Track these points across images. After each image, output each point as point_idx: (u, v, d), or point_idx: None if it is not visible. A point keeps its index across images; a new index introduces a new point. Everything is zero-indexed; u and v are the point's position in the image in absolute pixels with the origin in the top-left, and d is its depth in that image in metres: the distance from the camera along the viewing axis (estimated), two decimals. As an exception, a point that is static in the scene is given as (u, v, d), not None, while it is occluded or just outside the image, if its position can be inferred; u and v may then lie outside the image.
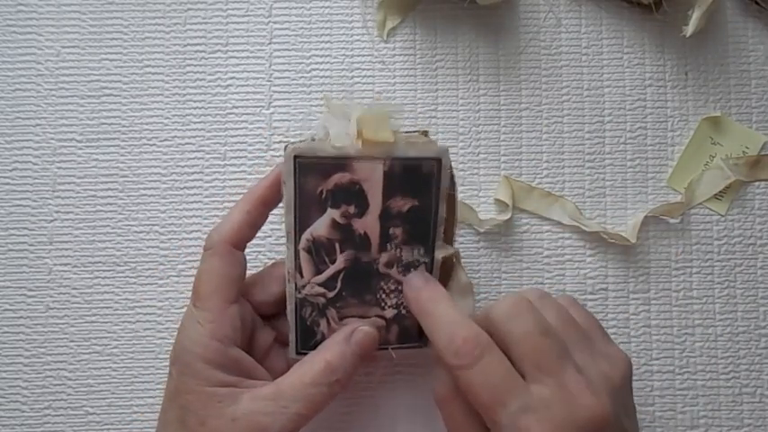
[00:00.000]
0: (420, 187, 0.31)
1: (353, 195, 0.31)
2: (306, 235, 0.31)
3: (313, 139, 0.31)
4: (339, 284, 0.32)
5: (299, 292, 0.32)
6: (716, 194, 0.38)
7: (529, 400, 0.26)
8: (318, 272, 0.31)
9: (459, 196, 0.38)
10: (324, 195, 0.31)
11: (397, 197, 0.31)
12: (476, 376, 0.27)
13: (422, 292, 0.31)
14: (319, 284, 0.32)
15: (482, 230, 0.38)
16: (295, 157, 0.30)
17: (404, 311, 0.32)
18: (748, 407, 0.37)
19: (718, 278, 0.38)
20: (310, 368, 0.30)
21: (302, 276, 0.31)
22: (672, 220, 0.38)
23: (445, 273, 0.33)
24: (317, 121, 0.38)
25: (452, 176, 0.32)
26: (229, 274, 0.31)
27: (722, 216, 0.38)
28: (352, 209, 0.31)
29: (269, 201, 0.32)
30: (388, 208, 0.31)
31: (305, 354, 0.32)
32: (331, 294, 0.32)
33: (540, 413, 0.26)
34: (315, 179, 0.30)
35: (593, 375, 0.28)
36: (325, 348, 0.31)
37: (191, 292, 0.31)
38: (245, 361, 0.31)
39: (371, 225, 0.31)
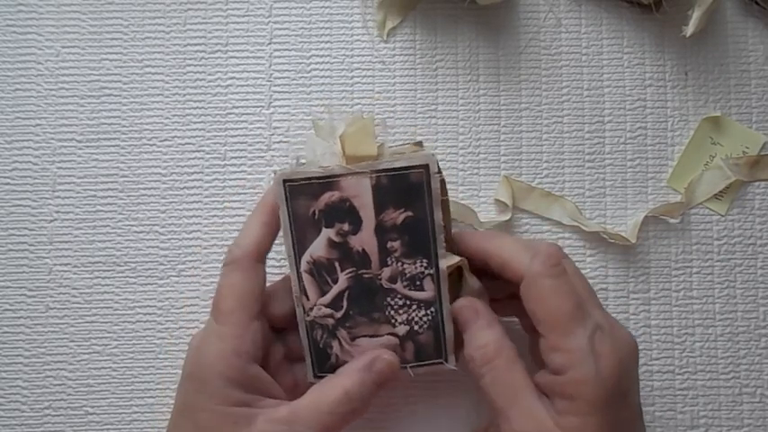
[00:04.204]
0: (411, 197, 0.30)
1: (345, 213, 0.31)
2: (305, 257, 0.31)
3: (301, 163, 0.32)
4: (345, 304, 0.31)
5: (308, 315, 0.31)
6: (716, 194, 0.38)
7: (599, 321, 0.28)
8: (323, 293, 0.31)
9: (459, 196, 0.38)
10: (316, 216, 0.31)
11: (390, 210, 0.30)
12: (560, 284, 0.28)
13: (478, 235, 0.33)
14: (326, 306, 0.31)
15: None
16: (284, 181, 0.30)
17: (416, 327, 0.31)
18: (748, 407, 0.37)
19: (718, 278, 0.38)
20: (328, 395, 0.29)
21: (308, 299, 0.31)
22: (672, 220, 0.38)
23: (454, 282, 0.32)
24: (304, 144, 0.38)
25: (443, 181, 0.31)
26: (252, 289, 0.30)
27: (722, 216, 0.38)
28: (345, 226, 0.31)
29: None
30: (382, 222, 0.31)
31: (323, 377, 0.31)
32: (339, 315, 0.31)
33: (606, 334, 0.28)
34: (306, 201, 0.31)
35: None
36: (344, 375, 0.30)
37: (211, 307, 0.31)
38: (263, 378, 0.30)
39: (368, 241, 0.31)
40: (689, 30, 0.37)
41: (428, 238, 0.31)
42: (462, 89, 0.39)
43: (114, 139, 0.39)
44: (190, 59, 0.39)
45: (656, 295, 0.38)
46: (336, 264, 0.31)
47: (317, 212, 0.31)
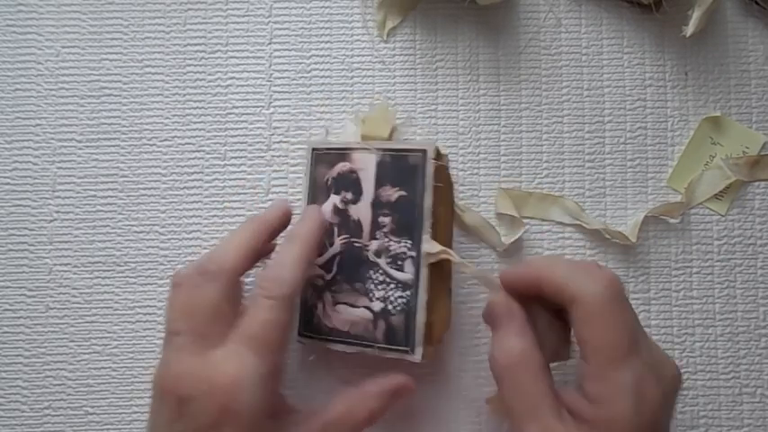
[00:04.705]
0: (408, 178, 0.33)
1: (351, 183, 0.34)
2: None
3: (327, 134, 0.38)
4: (335, 268, 0.34)
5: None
6: (716, 194, 0.38)
7: (648, 359, 0.27)
8: (320, 254, 0.34)
9: (460, 196, 0.38)
10: (329, 183, 0.34)
11: (387, 186, 0.33)
12: (621, 315, 0.27)
13: (536, 261, 0.33)
14: (320, 266, 0.34)
15: (502, 250, 0.37)
16: (312, 149, 0.35)
17: (390, 307, 0.32)
18: (748, 407, 0.37)
19: (718, 278, 0.38)
20: (355, 413, 0.30)
21: None
22: (672, 220, 0.38)
23: (442, 276, 0.33)
24: (342, 126, 0.39)
25: (449, 177, 0.33)
26: (290, 327, 0.30)
27: (722, 216, 0.38)
28: (349, 195, 0.33)
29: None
30: (379, 196, 0.33)
31: (307, 336, 0.34)
32: (328, 277, 0.34)
33: (653, 375, 0.27)
34: (323, 168, 0.34)
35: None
36: (372, 397, 0.31)
37: (247, 338, 0.28)
38: (283, 401, 0.32)
39: (364, 212, 0.33)
40: (689, 30, 0.37)
41: (415, 221, 0.32)
42: (462, 89, 0.39)
43: (114, 139, 0.39)
44: (190, 59, 0.39)
45: (656, 295, 0.38)
46: (335, 228, 0.34)
47: (330, 179, 0.34)
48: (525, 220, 0.38)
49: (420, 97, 0.39)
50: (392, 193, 0.33)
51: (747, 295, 0.38)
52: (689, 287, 0.38)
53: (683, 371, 0.37)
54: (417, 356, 0.32)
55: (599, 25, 0.39)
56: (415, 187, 0.32)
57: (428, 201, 0.32)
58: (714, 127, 0.39)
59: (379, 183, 0.33)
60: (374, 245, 0.33)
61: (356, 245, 0.33)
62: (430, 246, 0.32)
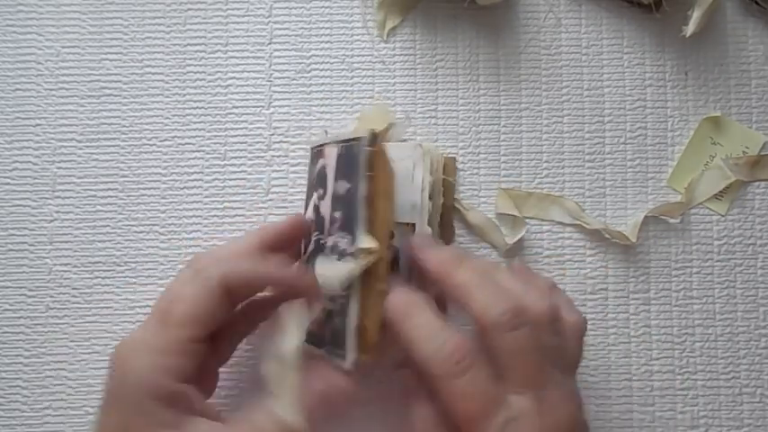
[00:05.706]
0: (351, 169, 0.30)
1: (322, 179, 0.32)
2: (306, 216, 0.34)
3: (326, 133, 0.36)
4: (311, 267, 0.32)
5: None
6: (716, 194, 0.38)
7: (513, 411, 0.27)
8: (305, 251, 0.33)
9: (460, 196, 0.38)
10: (314, 181, 0.33)
11: (342, 180, 0.30)
12: (464, 386, 0.27)
13: (401, 295, 0.29)
14: (305, 263, 0.33)
15: (505, 249, 0.37)
16: (311, 148, 0.34)
17: (333, 308, 0.30)
18: (748, 407, 0.37)
19: (718, 278, 0.38)
20: (264, 429, 0.27)
21: (301, 255, 0.34)
22: (672, 220, 0.38)
23: (374, 272, 0.30)
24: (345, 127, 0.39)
25: (388, 165, 0.31)
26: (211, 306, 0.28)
27: (722, 216, 0.38)
28: (321, 191, 0.32)
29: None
30: (336, 191, 0.31)
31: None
32: None
33: (523, 423, 0.27)
34: (312, 166, 0.34)
35: (567, 389, 0.29)
36: (285, 410, 0.27)
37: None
38: (191, 395, 0.28)
39: (326, 208, 0.31)
40: (689, 30, 0.37)
41: (355, 214, 0.29)
42: (462, 89, 0.39)
43: (114, 139, 0.39)
44: (190, 59, 0.39)
45: (656, 295, 0.38)
46: (313, 226, 0.33)
47: (314, 177, 0.33)
48: (525, 220, 0.38)
49: (420, 97, 0.39)
50: (342, 187, 0.30)
51: (747, 295, 0.38)
52: (689, 287, 0.38)
53: (683, 371, 0.37)
54: (347, 363, 0.29)
55: (599, 25, 0.39)
56: (355, 179, 0.29)
57: (361, 192, 0.29)
58: (714, 127, 0.39)
59: (336, 177, 0.31)
60: (330, 241, 0.30)
61: (321, 242, 0.31)
62: (364, 241, 0.29)
